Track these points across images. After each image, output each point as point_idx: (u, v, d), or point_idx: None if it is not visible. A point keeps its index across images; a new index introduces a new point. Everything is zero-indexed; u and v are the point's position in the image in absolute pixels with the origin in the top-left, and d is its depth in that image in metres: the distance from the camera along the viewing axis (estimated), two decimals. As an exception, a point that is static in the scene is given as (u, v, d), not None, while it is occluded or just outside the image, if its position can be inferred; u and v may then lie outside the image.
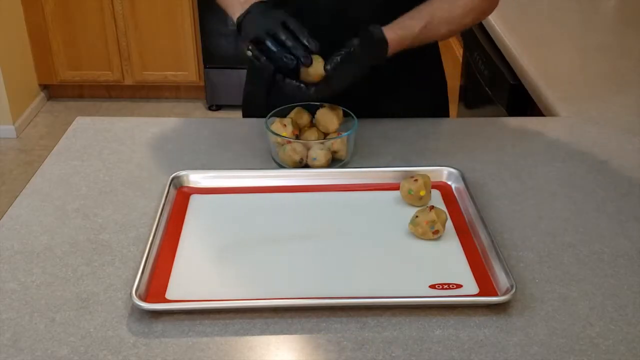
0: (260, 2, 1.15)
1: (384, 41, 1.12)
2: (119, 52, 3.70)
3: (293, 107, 1.20)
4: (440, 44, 1.46)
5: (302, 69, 1.08)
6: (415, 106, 1.36)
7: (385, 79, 1.30)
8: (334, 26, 1.20)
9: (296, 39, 1.07)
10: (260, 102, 1.35)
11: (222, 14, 1.30)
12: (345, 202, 1.07)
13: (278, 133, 1.15)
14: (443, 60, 1.45)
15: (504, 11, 1.98)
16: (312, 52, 1.07)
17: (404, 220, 0.99)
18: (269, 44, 1.07)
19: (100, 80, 3.80)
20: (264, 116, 1.19)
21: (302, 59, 1.06)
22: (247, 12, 1.14)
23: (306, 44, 1.06)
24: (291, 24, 1.08)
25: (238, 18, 1.15)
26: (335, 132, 1.18)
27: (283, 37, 1.06)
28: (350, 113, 1.19)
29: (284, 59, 1.06)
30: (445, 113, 1.47)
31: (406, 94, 1.33)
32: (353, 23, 1.17)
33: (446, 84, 1.45)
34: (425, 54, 1.32)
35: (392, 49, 1.14)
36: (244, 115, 1.46)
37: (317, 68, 1.08)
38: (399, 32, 1.14)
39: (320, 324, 0.83)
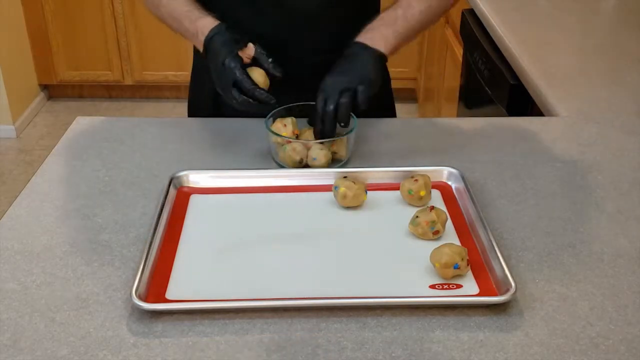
0: (212, 34, 1.16)
1: (383, 59, 1.16)
2: (119, 52, 3.70)
3: (293, 108, 1.20)
4: (439, 43, 1.47)
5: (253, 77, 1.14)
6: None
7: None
8: (280, 21, 1.23)
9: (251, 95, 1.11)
10: (204, 110, 1.39)
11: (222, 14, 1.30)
12: (345, 202, 1.07)
13: (278, 133, 1.15)
14: (443, 60, 1.46)
15: (504, 11, 1.98)
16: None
17: (404, 220, 0.99)
18: (236, 104, 1.13)
19: (100, 80, 3.80)
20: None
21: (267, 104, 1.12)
22: (206, 53, 1.17)
23: (260, 99, 1.11)
24: (243, 87, 1.11)
25: (202, 54, 1.19)
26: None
27: (237, 99, 1.12)
28: (350, 113, 1.19)
29: (255, 109, 1.13)
30: (391, 113, 1.50)
31: None
32: (300, 16, 1.21)
33: (390, 82, 1.46)
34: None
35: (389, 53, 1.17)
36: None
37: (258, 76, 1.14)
38: (387, 36, 1.17)
39: (320, 324, 0.83)
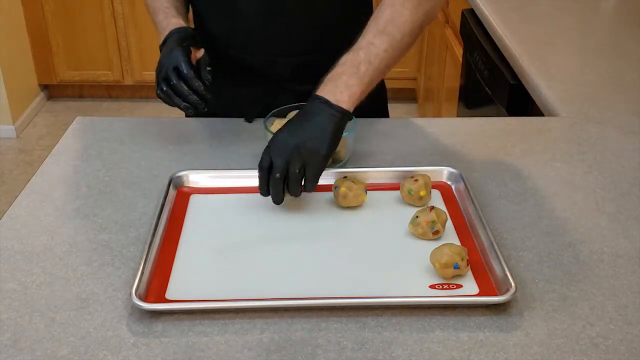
0: (176, 31, 1.20)
1: (346, 117, 1.04)
2: (119, 52, 3.71)
3: (293, 108, 1.20)
4: (439, 43, 1.47)
5: None
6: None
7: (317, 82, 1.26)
8: (258, 22, 1.24)
9: (188, 84, 1.15)
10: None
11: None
12: (345, 202, 1.07)
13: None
14: (443, 60, 1.46)
15: (504, 11, 1.98)
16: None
17: (404, 220, 0.99)
18: (166, 89, 1.16)
19: (100, 80, 3.80)
20: None
21: (197, 107, 1.15)
22: (162, 45, 1.21)
23: (196, 87, 1.15)
24: (183, 69, 1.14)
25: (160, 47, 1.21)
26: None
27: (174, 82, 1.15)
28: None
29: (183, 106, 1.16)
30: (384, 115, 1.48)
31: None
32: (278, 17, 1.22)
33: (385, 91, 1.46)
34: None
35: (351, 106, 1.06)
36: None
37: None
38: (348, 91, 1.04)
39: (320, 324, 0.83)
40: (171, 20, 1.23)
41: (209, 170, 1.13)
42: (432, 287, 0.88)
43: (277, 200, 1.01)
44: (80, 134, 1.30)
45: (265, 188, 1.01)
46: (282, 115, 1.19)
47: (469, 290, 0.88)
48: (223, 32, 1.30)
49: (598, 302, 0.87)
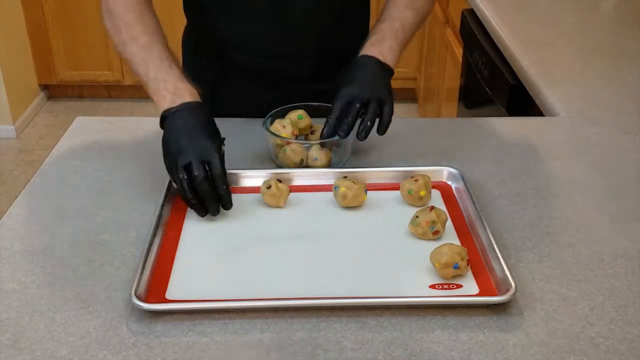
0: (197, 106, 1.03)
1: (390, 74, 1.16)
2: (119, 52, 3.70)
3: (292, 109, 1.20)
4: (439, 43, 1.48)
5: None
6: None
7: (335, 80, 1.28)
8: (275, 24, 1.24)
9: (215, 183, 0.99)
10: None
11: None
12: (345, 202, 1.07)
13: (277, 134, 1.14)
14: (443, 60, 1.47)
15: (504, 11, 1.98)
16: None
17: (404, 220, 0.99)
18: (187, 182, 0.98)
19: (100, 80, 3.80)
20: None
21: (211, 213, 1.00)
22: (174, 112, 1.02)
23: (221, 192, 0.99)
24: (214, 168, 0.98)
25: (165, 112, 1.03)
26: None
27: (197, 176, 0.97)
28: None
29: (203, 205, 1.00)
30: None
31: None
32: (293, 19, 1.21)
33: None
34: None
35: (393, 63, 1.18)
36: None
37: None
38: (388, 47, 1.17)
39: (320, 324, 0.83)
40: (182, 84, 1.06)
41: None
42: (432, 287, 0.88)
43: (347, 132, 1.09)
44: (80, 134, 1.30)
45: (332, 125, 1.10)
46: (282, 115, 1.19)
47: (469, 290, 0.88)
48: (238, 37, 1.28)
49: (598, 302, 0.87)
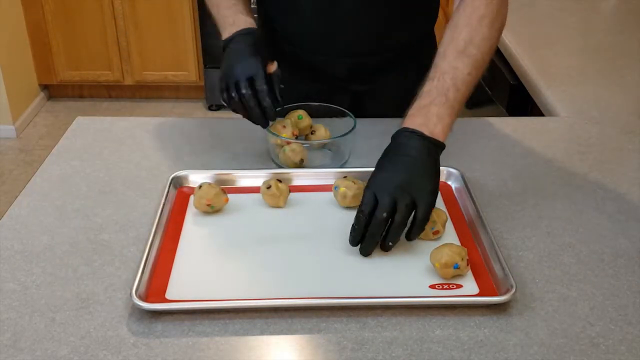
0: (246, 32, 1.14)
1: (440, 149, 0.97)
2: (119, 52, 3.70)
3: (292, 109, 1.20)
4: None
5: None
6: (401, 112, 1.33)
7: (373, 82, 1.30)
8: (323, 22, 1.22)
9: (258, 97, 1.08)
10: None
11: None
12: (345, 202, 1.07)
13: (277, 134, 1.14)
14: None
15: (504, 11, 1.98)
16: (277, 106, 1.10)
17: (404, 220, 0.99)
18: (235, 97, 1.09)
19: (100, 80, 3.80)
20: None
21: (259, 123, 1.10)
22: (229, 42, 1.14)
23: (265, 104, 1.08)
24: (259, 83, 1.08)
25: (224, 42, 1.16)
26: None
27: (244, 92, 1.08)
28: (349, 113, 1.19)
29: (251, 118, 1.11)
30: None
31: (392, 100, 1.27)
32: (340, 16, 1.19)
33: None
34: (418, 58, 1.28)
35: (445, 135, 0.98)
36: None
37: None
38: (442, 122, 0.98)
39: (320, 324, 0.83)
40: (239, 16, 1.17)
41: (209, 170, 1.13)
42: (432, 287, 0.88)
43: (367, 252, 0.92)
44: (80, 134, 1.30)
45: (359, 234, 0.92)
46: (282, 115, 1.19)
47: (469, 290, 0.88)
48: (286, 30, 1.29)
49: (598, 302, 0.87)
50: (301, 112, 1.18)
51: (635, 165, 1.20)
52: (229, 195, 1.06)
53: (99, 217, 1.04)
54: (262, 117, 1.10)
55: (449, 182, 1.11)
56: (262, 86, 1.08)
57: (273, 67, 1.12)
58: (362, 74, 1.32)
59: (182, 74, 3.73)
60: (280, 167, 1.16)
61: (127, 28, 3.64)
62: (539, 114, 1.49)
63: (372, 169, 1.12)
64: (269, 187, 1.04)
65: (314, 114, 1.20)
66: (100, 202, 1.07)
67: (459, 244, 0.96)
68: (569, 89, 1.51)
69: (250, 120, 1.11)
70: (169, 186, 1.07)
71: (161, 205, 1.02)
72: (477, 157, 1.21)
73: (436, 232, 0.97)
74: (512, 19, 1.95)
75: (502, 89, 1.77)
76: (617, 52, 1.74)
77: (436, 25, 1.39)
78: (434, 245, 0.92)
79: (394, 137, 0.97)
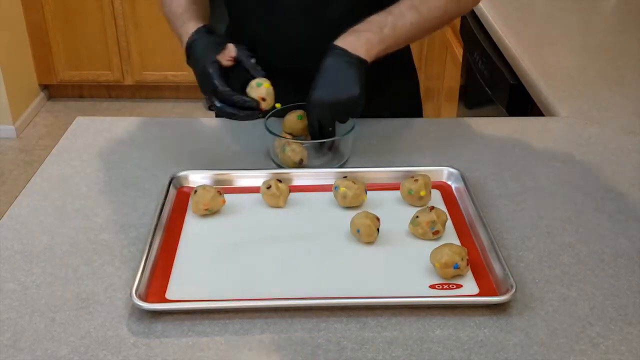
0: (192, 41, 1.16)
1: (363, 65, 1.09)
2: (119, 52, 3.71)
3: (292, 109, 1.20)
4: (439, 43, 1.46)
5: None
6: (389, 114, 1.34)
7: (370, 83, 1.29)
8: (304, 28, 1.21)
9: (229, 100, 1.09)
10: None
11: (221, 14, 1.30)
12: (345, 202, 1.07)
13: (277, 134, 1.14)
14: (443, 60, 1.46)
15: (504, 11, 1.98)
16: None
17: (404, 220, 0.99)
18: (220, 106, 1.10)
19: (100, 80, 3.80)
20: None
21: (249, 118, 1.11)
22: (188, 55, 1.18)
23: (241, 104, 1.09)
24: (218, 92, 1.09)
25: (186, 44, 1.18)
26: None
27: (218, 105, 1.10)
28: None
29: (242, 117, 1.11)
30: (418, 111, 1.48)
31: (380, 101, 1.29)
32: (324, 23, 1.18)
33: (419, 90, 1.46)
34: (397, 61, 1.30)
35: (369, 57, 1.10)
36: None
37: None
38: (366, 38, 1.10)
39: (320, 324, 0.83)
40: (184, 27, 1.20)
41: (209, 170, 1.13)
42: (432, 287, 0.88)
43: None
44: (80, 134, 1.30)
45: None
46: (282, 115, 1.19)
47: (469, 290, 0.88)
48: (267, 34, 1.27)
49: (598, 302, 0.87)
50: (301, 112, 1.18)
51: (635, 165, 1.20)
52: (229, 195, 1.06)
53: (99, 217, 1.04)
54: (248, 115, 1.10)
55: (449, 182, 1.11)
56: (225, 95, 1.09)
57: (230, 51, 1.13)
58: None
59: (182, 74, 3.73)
60: (280, 167, 1.16)
61: (127, 28, 3.64)
62: (539, 114, 1.49)
63: (372, 169, 1.13)
64: (269, 187, 1.04)
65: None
66: (100, 202, 1.08)
67: (459, 244, 0.96)
68: (569, 89, 1.51)
69: (245, 120, 1.13)
70: (169, 186, 1.07)
71: (161, 205, 1.02)
72: (477, 157, 1.21)
73: (436, 232, 0.97)
74: (512, 19, 1.95)
75: (502, 89, 1.77)
76: (617, 52, 1.74)
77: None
78: (434, 245, 0.92)
79: (326, 55, 1.09)
